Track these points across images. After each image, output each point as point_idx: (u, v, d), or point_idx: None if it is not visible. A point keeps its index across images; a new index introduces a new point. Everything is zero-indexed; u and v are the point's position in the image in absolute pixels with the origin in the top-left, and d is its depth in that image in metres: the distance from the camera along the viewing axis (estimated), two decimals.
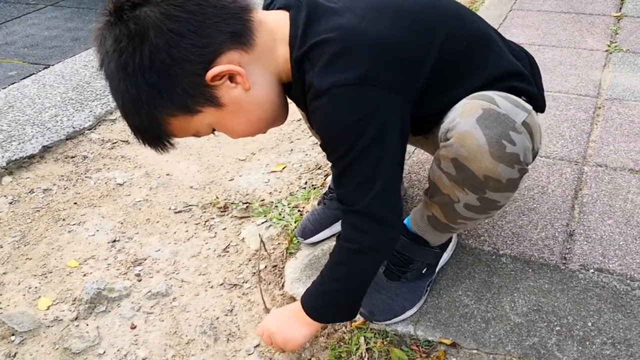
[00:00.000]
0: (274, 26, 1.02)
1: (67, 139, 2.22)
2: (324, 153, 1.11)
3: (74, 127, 2.28)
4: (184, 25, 0.92)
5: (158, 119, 0.98)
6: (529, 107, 1.06)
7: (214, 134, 1.07)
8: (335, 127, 0.98)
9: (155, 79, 0.93)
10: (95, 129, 2.31)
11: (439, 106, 1.09)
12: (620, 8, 2.91)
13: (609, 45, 2.50)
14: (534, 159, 1.11)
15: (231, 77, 0.98)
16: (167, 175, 1.97)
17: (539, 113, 1.17)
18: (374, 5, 1.03)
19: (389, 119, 0.98)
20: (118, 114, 2.40)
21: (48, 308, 1.43)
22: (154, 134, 1.02)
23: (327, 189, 1.59)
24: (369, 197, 1.00)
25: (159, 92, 0.95)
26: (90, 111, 2.40)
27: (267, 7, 1.10)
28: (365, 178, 0.99)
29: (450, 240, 1.37)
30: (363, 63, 0.95)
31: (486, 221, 1.51)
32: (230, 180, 1.92)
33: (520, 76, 1.14)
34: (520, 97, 1.09)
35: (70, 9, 3.80)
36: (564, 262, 1.38)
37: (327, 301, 1.15)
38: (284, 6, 1.05)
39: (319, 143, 1.12)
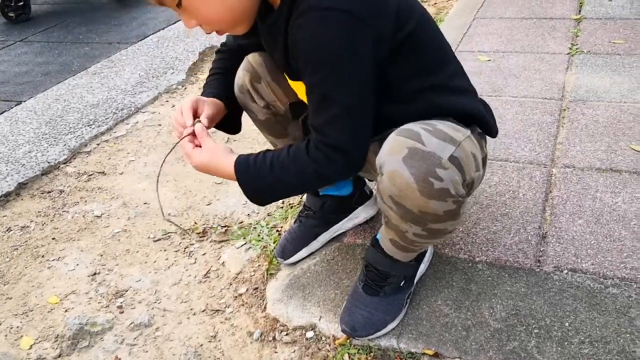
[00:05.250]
0: None
1: (42, 175, 2.21)
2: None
3: (48, 162, 2.28)
4: None
5: None
6: (465, 132, 1.10)
7: (178, 7, 1.06)
8: (320, 46, 1.00)
9: None
10: (70, 162, 2.31)
11: (402, 96, 1.13)
12: (580, 10, 2.99)
13: (570, 48, 2.56)
14: (479, 180, 1.18)
15: None
16: (145, 204, 1.98)
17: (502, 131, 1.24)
18: None
19: (373, 58, 1.02)
20: (93, 145, 2.41)
21: (30, 347, 1.43)
22: None
23: (302, 207, 1.60)
24: (345, 133, 1.04)
25: None
26: (65, 145, 2.40)
27: None
28: (343, 111, 1.03)
29: (425, 251, 1.39)
30: None
31: (460, 229, 1.54)
32: (208, 204, 1.93)
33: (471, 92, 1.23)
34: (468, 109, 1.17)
35: (39, 43, 3.80)
36: (539, 264, 1.41)
37: (255, 174, 1.12)
38: None
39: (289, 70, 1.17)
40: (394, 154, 1.03)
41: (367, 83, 1.04)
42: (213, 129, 1.30)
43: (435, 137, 1.03)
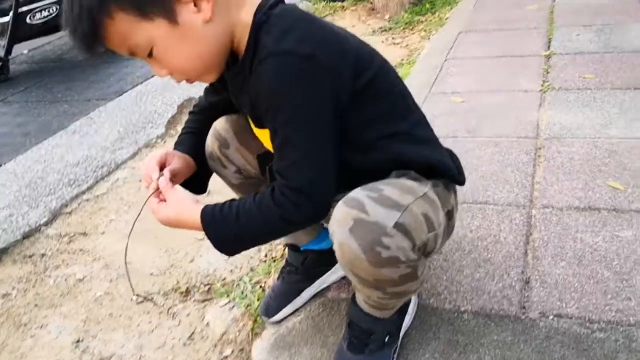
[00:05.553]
0: None
1: (23, 238, 2.19)
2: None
3: (29, 225, 2.26)
4: None
5: (105, 6, 0.97)
6: (420, 189, 1.10)
7: (149, 57, 1.06)
8: (279, 90, 1.01)
9: None
10: (51, 224, 2.28)
11: (362, 144, 1.14)
12: (549, 46, 3.05)
13: (542, 85, 2.61)
14: (446, 234, 1.22)
15: (196, 4, 1.01)
16: (127, 264, 1.95)
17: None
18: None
19: (332, 102, 1.04)
20: (74, 205, 2.39)
21: None
22: (91, 25, 0.97)
23: (284, 262, 1.59)
24: (309, 176, 1.04)
25: None
26: (45, 206, 2.38)
27: None
28: (304, 154, 1.04)
29: (409, 303, 1.39)
30: (321, 43, 1.02)
31: (444, 277, 1.54)
32: (191, 261, 1.92)
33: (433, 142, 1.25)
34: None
35: (18, 104, 3.80)
36: (524, 311, 1.41)
37: (221, 224, 1.12)
38: None
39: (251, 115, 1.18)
40: (341, 226, 1.04)
41: (327, 127, 1.05)
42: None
43: (380, 204, 1.04)
